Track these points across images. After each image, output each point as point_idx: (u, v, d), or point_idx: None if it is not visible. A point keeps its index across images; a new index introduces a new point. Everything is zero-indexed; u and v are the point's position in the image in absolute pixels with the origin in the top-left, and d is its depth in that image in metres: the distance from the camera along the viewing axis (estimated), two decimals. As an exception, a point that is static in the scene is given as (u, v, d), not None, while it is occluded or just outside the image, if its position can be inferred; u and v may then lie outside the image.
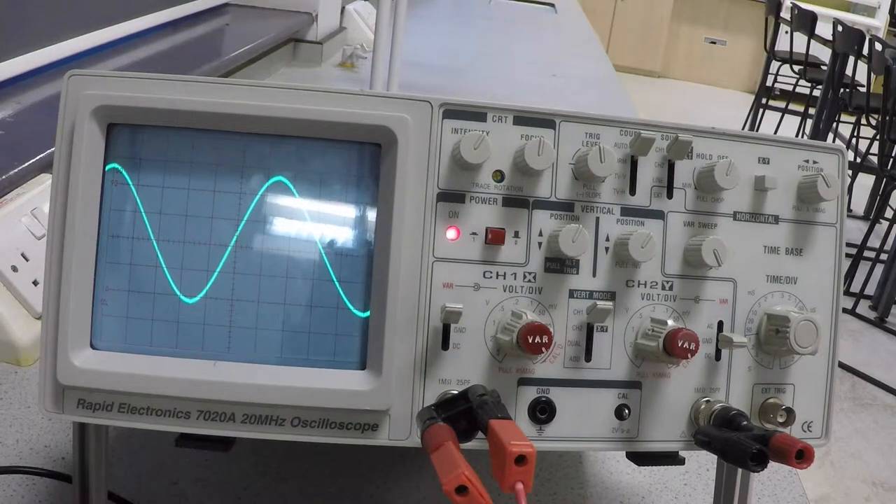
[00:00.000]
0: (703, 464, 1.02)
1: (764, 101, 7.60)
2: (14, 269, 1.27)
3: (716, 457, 0.73)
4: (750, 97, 8.37)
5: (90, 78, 0.68)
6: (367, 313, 0.68)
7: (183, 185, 0.68)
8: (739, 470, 0.80)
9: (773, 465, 0.67)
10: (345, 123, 0.68)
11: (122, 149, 0.68)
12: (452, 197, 0.70)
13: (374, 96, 0.69)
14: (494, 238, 0.70)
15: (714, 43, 10.62)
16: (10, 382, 1.19)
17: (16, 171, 1.45)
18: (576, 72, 3.22)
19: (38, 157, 1.51)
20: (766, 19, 7.52)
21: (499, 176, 0.71)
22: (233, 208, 0.68)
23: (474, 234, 0.70)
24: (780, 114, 7.41)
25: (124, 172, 0.68)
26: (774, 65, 7.43)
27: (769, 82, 7.55)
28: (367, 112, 0.68)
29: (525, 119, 0.72)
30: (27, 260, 1.30)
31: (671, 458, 0.78)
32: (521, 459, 0.55)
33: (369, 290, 0.68)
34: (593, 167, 0.70)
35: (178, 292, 0.67)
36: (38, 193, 1.42)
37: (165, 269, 0.68)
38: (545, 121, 0.72)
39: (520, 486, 0.55)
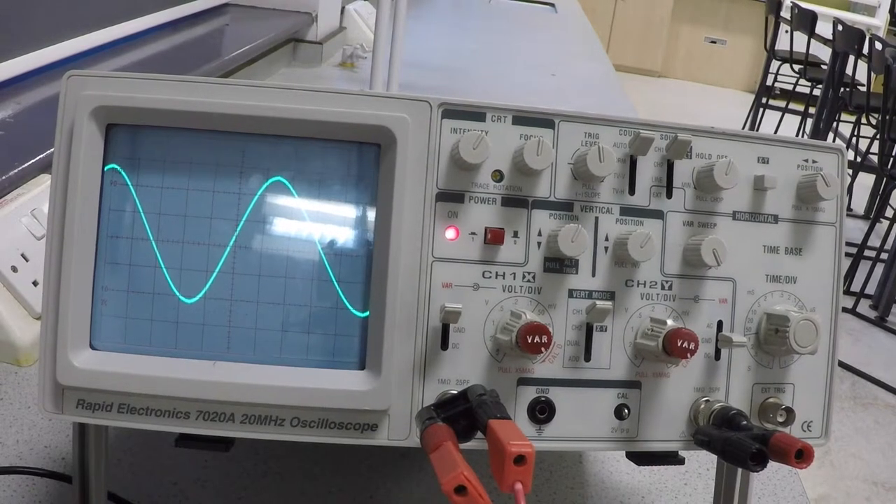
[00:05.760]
0: (703, 463, 1.02)
1: (764, 100, 7.60)
2: (14, 269, 1.27)
3: (716, 456, 0.73)
4: (750, 96, 8.37)
5: (89, 78, 0.68)
6: (367, 313, 0.68)
7: (182, 186, 0.68)
8: (740, 470, 0.80)
9: (773, 465, 0.68)
10: (344, 124, 0.67)
11: (121, 149, 0.68)
12: (451, 197, 0.70)
13: (373, 96, 0.69)
14: (493, 238, 0.70)
15: (714, 42, 10.62)
16: (9, 383, 1.19)
17: (16, 171, 1.45)
18: (576, 71, 3.22)
19: (37, 158, 1.51)
20: (767, 19, 7.52)
21: (498, 176, 0.71)
22: (232, 208, 0.68)
23: (473, 233, 0.70)
24: (780, 113, 7.41)
25: (123, 173, 0.68)
26: (774, 64, 7.44)
27: (769, 81, 7.56)
28: (366, 112, 0.68)
29: (524, 119, 0.71)
30: (27, 260, 1.30)
31: (671, 458, 0.78)
32: (520, 459, 0.55)
33: (368, 290, 0.68)
34: (592, 167, 0.70)
35: (177, 292, 0.67)
36: (37, 194, 1.43)
37: (164, 269, 0.67)
38: (544, 120, 0.72)
39: (519, 486, 0.55)
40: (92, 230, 0.67)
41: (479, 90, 2.61)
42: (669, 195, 0.74)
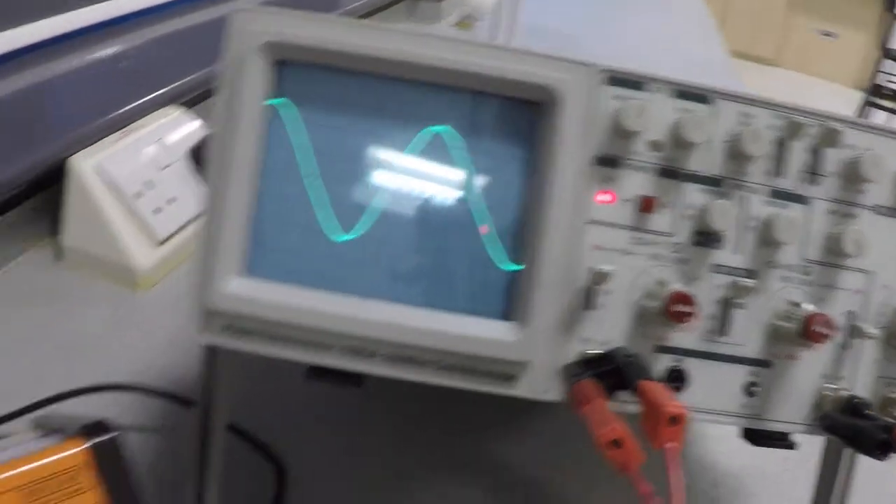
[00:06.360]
0: (804, 452, 1.03)
1: (874, 99, 7.46)
2: (138, 195, 1.31)
3: (819, 447, 0.74)
4: (857, 94, 8.24)
5: (259, 14, 0.69)
6: (517, 266, 0.69)
7: (345, 126, 0.70)
8: (844, 460, 0.81)
9: (867, 462, 0.69)
10: (511, 80, 0.68)
11: (286, 86, 0.70)
12: (608, 162, 0.71)
13: (540, 56, 0.69)
14: (646, 206, 0.71)
15: (828, 35, 10.45)
16: (127, 306, 1.24)
17: (142, 101, 1.49)
18: (690, 52, 3.18)
19: (163, 90, 1.55)
20: (881, 16, 7.39)
21: (654, 146, 0.71)
22: (391, 153, 0.70)
23: (627, 200, 0.71)
24: (888, 114, 7.28)
25: (287, 108, 0.69)
26: (888, 64, 7.30)
27: (880, 81, 7.42)
28: (532, 70, 0.69)
29: (685, 93, 0.72)
30: (151, 188, 1.33)
31: (785, 441, 0.79)
32: (675, 419, 0.57)
33: (520, 245, 0.70)
34: (746, 147, 0.71)
35: (332, 229, 0.69)
36: (162, 124, 1.47)
37: (322, 206, 0.69)
38: (704, 97, 0.72)
39: (672, 444, 0.57)
40: (253, 163, 0.69)
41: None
42: (815, 182, 0.75)
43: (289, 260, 0.70)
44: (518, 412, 1.05)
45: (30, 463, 0.64)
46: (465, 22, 2.68)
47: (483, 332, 0.68)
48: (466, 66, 0.68)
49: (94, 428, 0.67)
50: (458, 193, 0.70)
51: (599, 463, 0.58)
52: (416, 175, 0.70)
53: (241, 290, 0.69)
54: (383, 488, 0.95)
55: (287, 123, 0.69)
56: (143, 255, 1.29)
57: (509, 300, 0.70)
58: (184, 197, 1.37)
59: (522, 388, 0.70)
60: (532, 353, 0.68)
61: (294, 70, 0.69)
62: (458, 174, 0.70)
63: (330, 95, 0.70)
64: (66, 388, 1.00)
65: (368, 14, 2.43)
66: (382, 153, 0.70)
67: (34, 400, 0.97)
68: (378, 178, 0.70)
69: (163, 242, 1.32)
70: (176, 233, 1.35)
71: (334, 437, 1.00)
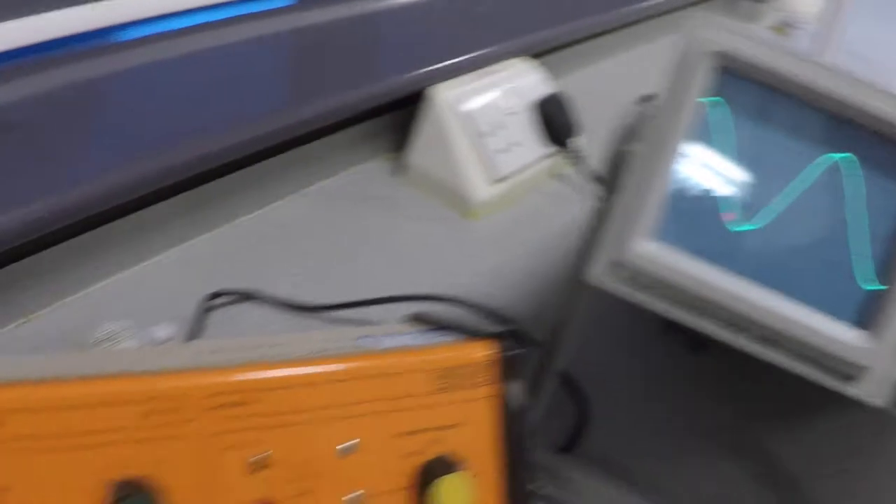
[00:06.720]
0: None
1: None
2: (486, 133, 1.42)
3: None
4: None
5: (715, 25, 0.79)
6: (880, 286, 0.78)
7: (763, 135, 0.80)
8: None
9: None
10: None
11: (724, 90, 0.80)
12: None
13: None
14: None
15: None
16: (456, 230, 1.35)
17: (496, 47, 1.60)
18: None
19: (515, 40, 1.65)
20: None
21: None
22: (795, 167, 0.80)
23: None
24: None
25: (720, 108, 0.80)
26: None
27: None
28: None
29: None
30: (497, 129, 1.45)
31: None
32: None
33: (886, 269, 0.78)
34: None
35: (733, 217, 0.80)
36: (513, 73, 1.57)
37: (729, 195, 0.80)
38: None
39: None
40: (679, 146, 0.80)
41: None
42: None
43: (693, 235, 0.81)
44: (798, 410, 1.14)
45: (443, 353, 0.75)
46: (782, 27, 2.67)
47: (841, 335, 0.78)
48: (879, 112, 0.78)
49: (507, 334, 0.78)
50: (843, 215, 0.79)
51: (864, 466, 0.67)
52: (810, 190, 0.80)
53: (650, 251, 0.80)
54: (663, 443, 1.05)
55: (717, 122, 0.81)
56: (480, 188, 1.42)
57: (865, 312, 0.79)
58: (525, 143, 1.50)
59: (857, 389, 0.80)
60: (877, 361, 0.78)
61: (733, 78, 0.80)
62: (847, 198, 0.79)
63: (757, 106, 0.80)
64: (388, 290, 1.12)
65: (684, 7, 2.47)
66: (788, 165, 0.80)
67: (364, 296, 1.11)
68: (779, 184, 0.80)
69: (500, 181, 1.45)
70: (513, 174, 1.48)
71: (637, 387, 1.12)
